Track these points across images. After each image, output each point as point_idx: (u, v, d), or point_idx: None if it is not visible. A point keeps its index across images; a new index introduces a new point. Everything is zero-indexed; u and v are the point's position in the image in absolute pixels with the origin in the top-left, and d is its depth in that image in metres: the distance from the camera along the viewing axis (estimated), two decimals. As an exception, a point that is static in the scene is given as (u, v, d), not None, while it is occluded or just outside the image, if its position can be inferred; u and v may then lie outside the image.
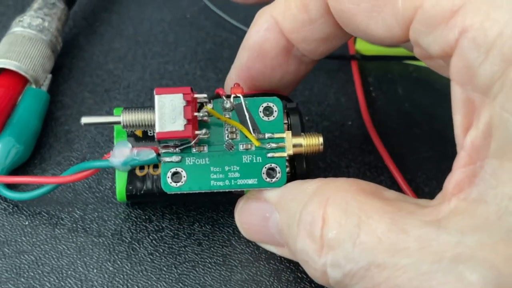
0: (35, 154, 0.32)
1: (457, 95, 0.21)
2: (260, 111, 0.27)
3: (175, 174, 0.26)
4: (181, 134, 0.25)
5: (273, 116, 0.27)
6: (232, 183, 0.26)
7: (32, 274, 0.28)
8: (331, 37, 0.26)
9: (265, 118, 0.27)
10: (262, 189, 0.26)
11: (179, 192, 0.26)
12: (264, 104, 0.27)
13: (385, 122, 0.34)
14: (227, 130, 0.26)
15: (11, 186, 0.30)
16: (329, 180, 0.24)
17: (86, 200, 0.30)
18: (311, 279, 0.27)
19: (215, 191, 0.26)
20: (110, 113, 0.34)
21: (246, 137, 0.26)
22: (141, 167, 0.28)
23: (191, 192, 0.26)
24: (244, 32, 0.36)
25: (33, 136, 0.32)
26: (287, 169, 0.27)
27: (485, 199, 0.20)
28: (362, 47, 0.37)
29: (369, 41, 0.25)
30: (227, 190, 0.26)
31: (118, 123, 0.26)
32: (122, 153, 0.26)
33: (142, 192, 0.28)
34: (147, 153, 0.26)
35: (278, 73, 0.28)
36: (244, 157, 0.26)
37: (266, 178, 0.26)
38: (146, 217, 0.30)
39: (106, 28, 0.38)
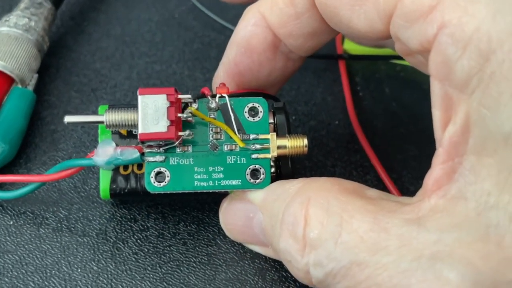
0: (21, 153, 0.32)
1: (436, 90, 0.21)
2: (246, 112, 0.27)
3: (159, 174, 0.26)
4: (164, 135, 0.25)
5: (258, 117, 0.27)
6: (216, 184, 0.26)
7: (16, 273, 0.28)
8: (317, 32, 0.26)
9: (250, 119, 0.27)
10: (246, 190, 0.26)
11: (162, 192, 0.26)
12: (250, 105, 0.27)
13: (371, 121, 0.34)
14: (211, 130, 0.26)
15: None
16: (311, 179, 0.24)
17: (71, 200, 0.30)
18: (296, 278, 0.27)
19: (198, 191, 0.26)
20: (96, 112, 0.33)
21: (231, 137, 0.26)
22: (125, 166, 0.28)
23: (174, 192, 0.26)
24: (232, 32, 0.37)
25: (18, 136, 0.32)
26: (272, 169, 0.27)
27: (465, 195, 0.20)
28: (350, 46, 0.37)
29: (353, 36, 0.25)
30: (210, 191, 0.26)
31: (102, 122, 0.26)
32: (106, 152, 0.26)
33: (126, 190, 0.28)
34: (130, 153, 0.26)
35: (266, 69, 0.28)
36: (229, 158, 0.26)
37: (250, 179, 0.26)
38: (131, 216, 0.30)
39: (94, 27, 0.38)
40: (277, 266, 0.28)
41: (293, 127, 0.34)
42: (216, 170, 0.26)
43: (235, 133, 0.26)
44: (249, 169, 0.26)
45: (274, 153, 0.26)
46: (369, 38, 0.24)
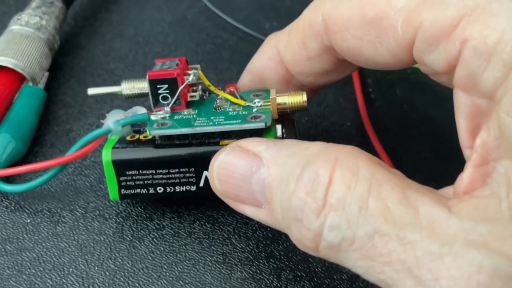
0: (37, 152, 0.32)
1: (462, 100, 0.22)
2: (251, 96, 0.28)
3: (162, 124, 0.27)
4: (169, 72, 0.27)
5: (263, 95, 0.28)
6: (216, 123, 0.27)
7: (34, 271, 0.28)
8: (329, 72, 0.28)
9: (256, 99, 0.28)
10: (250, 141, 0.25)
11: (161, 134, 0.27)
12: (256, 92, 0.29)
13: (383, 123, 0.34)
14: (217, 102, 0.28)
15: (9, 180, 0.30)
16: (334, 144, 0.23)
17: (87, 198, 0.30)
18: (311, 278, 0.28)
19: (198, 130, 0.27)
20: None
21: (235, 103, 0.28)
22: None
23: (173, 133, 0.27)
24: (244, 33, 0.37)
25: (29, 133, 0.32)
26: (279, 133, 0.28)
27: (498, 196, 0.21)
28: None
29: (380, 69, 0.25)
30: (209, 131, 0.27)
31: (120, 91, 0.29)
32: (115, 117, 0.28)
33: (134, 192, 0.28)
34: (138, 109, 0.28)
35: None
36: (231, 112, 0.28)
37: (250, 119, 0.27)
38: (147, 215, 0.30)
39: (107, 28, 0.38)
40: (292, 265, 0.29)
41: (305, 128, 0.34)
42: (217, 118, 0.27)
43: (237, 98, 0.28)
44: (250, 116, 0.27)
45: (274, 105, 0.28)
46: (396, 67, 0.24)
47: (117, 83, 0.35)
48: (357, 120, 0.34)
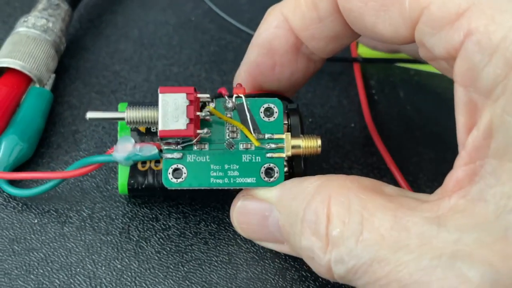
0: (43, 154, 0.32)
1: (460, 96, 0.22)
2: (261, 112, 0.27)
3: (176, 170, 0.27)
4: (183, 133, 0.26)
5: (273, 117, 0.27)
6: (231, 181, 0.27)
7: (41, 271, 0.28)
8: (339, 35, 0.27)
9: (266, 119, 0.27)
10: (257, 188, 0.27)
11: (179, 188, 0.27)
12: (265, 105, 0.27)
13: (387, 124, 0.34)
14: (228, 129, 0.27)
15: (15, 183, 0.30)
16: (329, 177, 0.25)
17: (94, 199, 0.31)
18: (316, 278, 0.28)
19: (214, 188, 0.27)
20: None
21: (247, 136, 0.27)
22: (143, 162, 0.29)
23: (191, 188, 0.27)
24: (248, 35, 0.37)
25: (36, 134, 0.32)
26: (285, 169, 0.27)
27: (485, 197, 0.21)
28: (364, 51, 0.37)
29: (376, 40, 0.25)
30: (225, 188, 0.27)
31: (122, 119, 0.27)
32: (125, 148, 0.27)
33: (143, 186, 0.29)
34: (149, 149, 0.27)
35: (287, 70, 0.28)
36: (244, 156, 0.27)
37: (264, 178, 0.27)
38: (153, 216, 0.30)
39: (112, 30, 0.38)
40: (297, 265, 0.29)
41: (309, 129, 0.34)
42: (231, 168, 0.27)
43: (250, 132, 0.27)
44: (264, 167, 0.27)
45: (288, 152, 0.27)
46: (393, 43, 0.24)
47: (122, 84, 0.36)
48: (360, 121, 0.34)
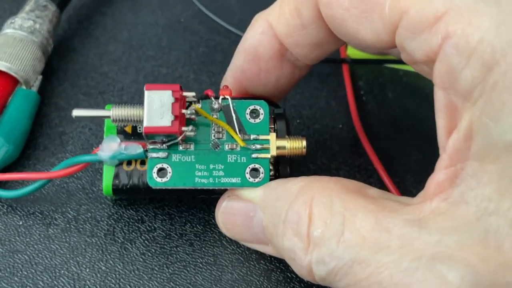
0: (30, 155, 0.32)
1: (440, 99, 0.22)
2: (247, 113, 0.27)
3: (161, 170, 0.27)
4: (168, 129, 0.26)
5: (259, 119, 0.27)
6: (216, 181, 0.27)
7: (25, 273, 0.28)
8: (323, 42, 0.27)
9: (252, 120, 0.27)
10: (242, 189, 0.27)
11: (163, 188, 0.27)
12: (251, 107, 0.27)
13: (375, 125, 0.34)
14: (213, 129, 0.27)
15: (0, 185, 0.30)
16: (313, 178, 0.25)
17: (79, 201, 0.31)
18: (301, 279, 0.28)
19: (199, 188, 0.27)
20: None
21: (232, 137, 0.27)
22: (129, 163, 0.28)
23: (175, 188, 0.27)
24: (238, 36, 0.37)
25: (22, 136, 0.32)
26: (271, 172, 0.27)
27: (466, 200, 0.21)
28: (353, 52, 0.37)
29: (359, 46, 0.25)
30: (210, 188, 0.27)
31: (108, 117, 0.27)
32: (110, 147, 0.27)
33: (128, 186, 0.28)
34: (134, 148, 0.27)
35: (273, 76, 0.28)
36: (229, 157, 0.27)
37: (249, 178, 0.27)
38: (139, 217, 0.30)
39: (101, 31, 0.38)
40: (282, 267, 0.29)
41: (297, 131, 0.34)
42: (216, 168, 0.27)
43: (236, 132, 0.27)
44: (249, 168, 0.27)
45: (273, 152, 0.27)
46: (375, 48, 0.24)
47: (110, 86, 0.35)
48: (348, 122, 0.34)
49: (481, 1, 0.21)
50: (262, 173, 0.27)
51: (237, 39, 0.37)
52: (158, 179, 0.26)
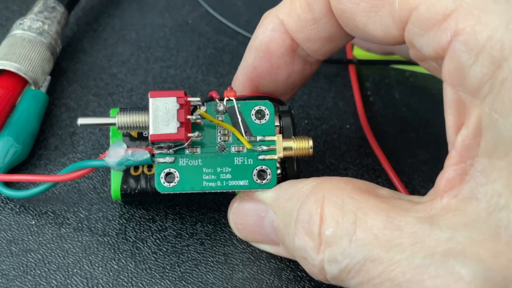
0: (41, 155, 0.32)
1: (449, 96, 0.22)
2: (252, 114, 0.28)
3: (168, 174, 0.27)
4: (174, 136, 0.26)
5: (265, 119, 0.27)
6: (224, 184, 0.27)
7: (38, 272, 0.29)
8: (334, 36, 0.27)
9: (257, 121, 0.27)
10: (253, 190, 0.27)
11: (172, 192, 0.27)
12: (256, 108, 0.28)
13: (382, 126, 0.35)
14: (219, 132, 0.27)
15: (9, 185, 0.31)
16: (324, 179, 0.25)
17: (91, 201, 0.31)
18: (311, 278, 0.28)
19: (207, 191, 0.27)
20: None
21: (238, 139, 0.27)
22: (136, 167, 0.29)
23: (183, 192, 0.27)
24: (245, 37, 0.38)
25: (31, 136, 0.32)
26: (278, 171, 0.27)
27: (476, 196, 0.21)
28: (359, 53, 0.37)
29: (368, 41, 0.25)
30: (218, 191, 0.27)
31: (114, 124, 0.27)
32: (117, 153, 0.27)
33: (136, 191, 0.29)
34: (141, 154, 0.27)
35: (284, 73, 0.29)
36: (236, 159, 0.27)
37: (257, 180, 0.27)
38: (150, 217, 0.30)
39: (109, 33, 0.38)
40: (292, 265, 0.29)
41: (305, 131, 0.34)
42: (224, 170, 0.27)
43: (242, 135, 0.27)
44: (256, 169, 0.27)
45: (280, 154, 0.27)
46: (383, 43, 0.25)
47: (119, 87, 0.36)
48: (356, 123, 0.35)
49: None
50: (269, 174, 0.27)
51: (244, 40, 0.38)
52: (166, 184, 0.27)
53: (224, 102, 0.27)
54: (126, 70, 0.37)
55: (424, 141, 0.34)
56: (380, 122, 0.35)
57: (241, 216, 0.28)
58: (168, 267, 0.29)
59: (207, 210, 0.31)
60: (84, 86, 0.36)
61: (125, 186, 0.29)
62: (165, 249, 0.29)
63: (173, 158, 0.27)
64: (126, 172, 0.29)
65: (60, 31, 0.36)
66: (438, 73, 0.23)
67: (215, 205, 0.31)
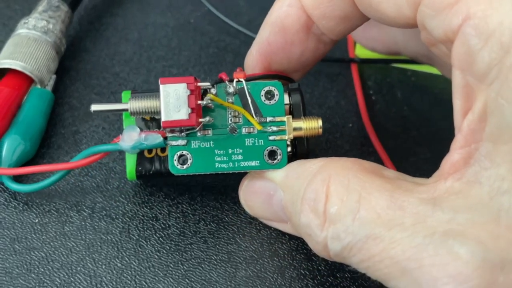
0: (44, 154, 0.33)
1: (457, 80, 0.22)
2: (262, 95, 0.28)
3: (181, 156, 0.27)
4: (185, 122, 0.26)
5: (274, 100, 0.28)
6: (236, 165, 0.27)
7: (42, 270, 0.29)
8: (349, 15, 0.27)
9: (267, 102, 0.28)
10: (264, 170, 0.28)
11: (185, 174, 0.27)
12: (266, 88, 0.28)
13: (384, 124, 0.35)
14: (230, 114, 0.28)
15: (18, 180, 0.31)
16: (332, 159, 0.26)
17: (94, 199, 0.31)
18: (314, 276, 0.28)
19: (219, 172, 0.27)
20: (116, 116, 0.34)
21: (249, 120, 0.28)
22: (149, 150, 0.29)
23: (197, 173, 0.27)
24: (247, 36, 0.38)
25: (38, 134, 0.33)
26: (289, 149, 0.28)
27: (479, 179, 0.22)
28: (361, 52, 0.38)
29: (380, 19, 0.25)
30: (230, 172, 0.28)
31: (126, 110, 0.27)
32: (131, 137, 0.27)
33: (151, 172, 0.29)
34: (154, 138, 0.27)
35: (298, 49, 0.29)
36: (247, 140, 0.28)
37: (268, 160, 0.27)
38: (153, 215, 0.30)
39: (112, 32, 0.39)
40: (296, 264, 0.29)
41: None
42: (235, 152, 0.27)
43: (252, 116, 0.27)
44: (267, 150, 0.28)
45: (290, 135, 0.28)
46: (396, 23, 0.25)
47: (122, 86, 0.36)
48: (358, 122, 0.35)
49: None
50: (280, 154, 0.27)
51: (246, 39, 0.38)
52: (179, 166, 0.27)
53: (234, 83, 0.28)
54: (129, 69, 0.37)
55: (426, 140, 0.34)
56: (382, 121, 0.35)
57: (251, 194, 0.29)
58: (171, 265, 0.29)
59: (210, 208, 0.31)
60: (87, 85, 0.36)
61: (140, 168, 0.29)
62: (168, 247, 0.30)
63: (186, 141, 0.27)
64: (140, 154, 0.29)
65: (64, 30, 0.36)
66: (448, 57, 0.23)
67: (218, 203, 0.31)
